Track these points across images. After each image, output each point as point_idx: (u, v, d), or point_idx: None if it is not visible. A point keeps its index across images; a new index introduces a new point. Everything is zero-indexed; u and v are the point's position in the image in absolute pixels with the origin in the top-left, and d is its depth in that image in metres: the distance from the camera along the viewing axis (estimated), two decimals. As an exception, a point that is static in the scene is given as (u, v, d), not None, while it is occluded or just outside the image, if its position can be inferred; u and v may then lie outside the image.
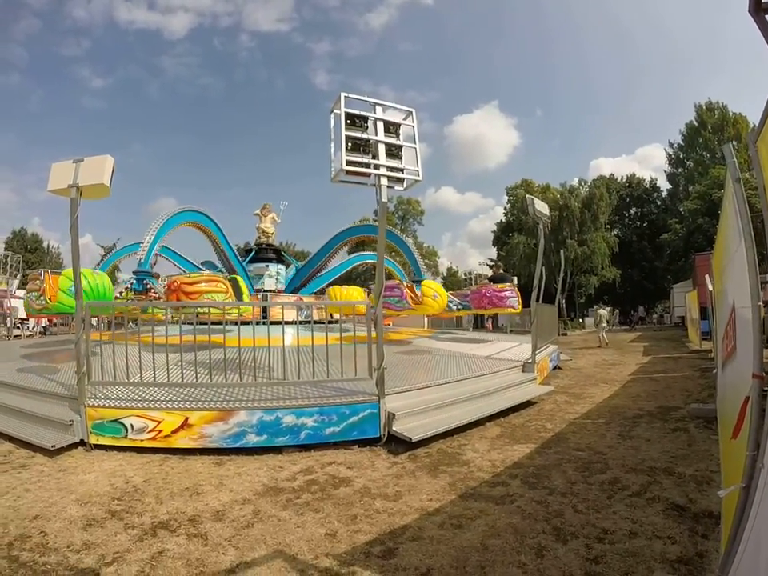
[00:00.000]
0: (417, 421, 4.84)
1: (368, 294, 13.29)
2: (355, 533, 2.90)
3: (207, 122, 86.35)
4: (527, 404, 6.32)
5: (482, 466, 4.05)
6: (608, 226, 41.34)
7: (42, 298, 6.78)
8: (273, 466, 4.11)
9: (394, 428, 4.61)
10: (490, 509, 3.19)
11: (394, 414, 4.66)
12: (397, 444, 4.57)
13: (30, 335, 20.39)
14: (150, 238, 11.29)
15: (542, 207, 7.83)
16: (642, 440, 4.69)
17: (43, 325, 22.86)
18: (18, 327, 21.32)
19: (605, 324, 17.03)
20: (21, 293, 14.83)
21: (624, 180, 46.86)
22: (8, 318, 19.12)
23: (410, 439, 4.41)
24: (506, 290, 9.72)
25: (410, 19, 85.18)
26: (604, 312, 17.69)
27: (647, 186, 46.54)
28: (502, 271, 16.79)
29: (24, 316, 24.02)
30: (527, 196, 8.18)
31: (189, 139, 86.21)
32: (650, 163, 73.46)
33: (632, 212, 46.68)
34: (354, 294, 9.97)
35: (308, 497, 3.47)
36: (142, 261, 10.93)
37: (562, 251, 17.78)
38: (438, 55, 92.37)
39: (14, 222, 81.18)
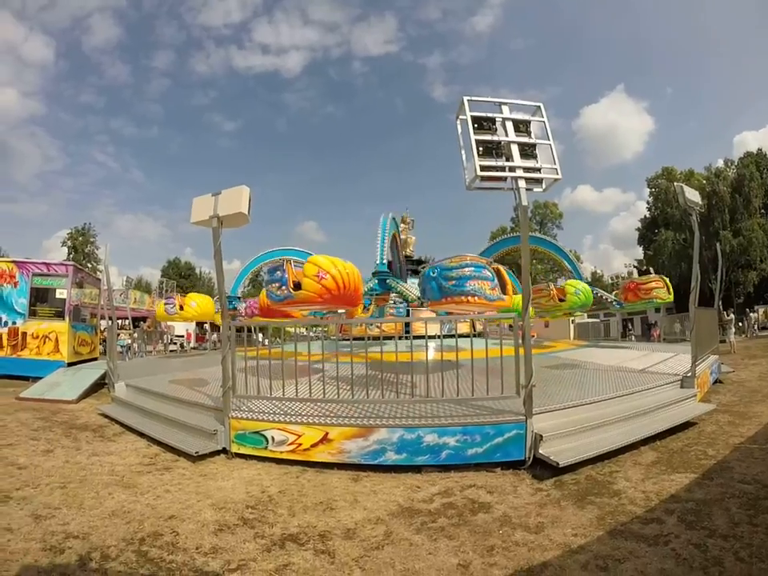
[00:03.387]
0: (565, 443, 4.38)
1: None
2: (490, 566, 2.66)
3: (334, 146, 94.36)
4: (686, 425, 5.45)
5: (635, 498, 3.53)
6: (763, 211, 35.34)
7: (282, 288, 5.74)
8: (410, 486, 3.97)
9: (540, 451, 4.22)
10: (640, 550, 2.75)
11: (541, 436, 4.26)
12: (542, 468, 4.16)
13: (185, 350, 23.07)
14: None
15: (692, 195, 6.85)
16: (818, 471, 3.75)
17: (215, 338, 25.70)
18: (175, 343, 24.45)
19: (733, 329, 17.28)
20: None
21: (775, 154, 39.63)
22: (165, 335, 22.02)
23: (557, 464, 3.99)
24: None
25: (516, 15, 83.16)
26: (732, 317, 18.26)
27: (803, 156, 38.78)
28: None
29: (179, 333, 27.54)
30: (676, 184, 7.20)
31: (320, 163, 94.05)
32: (802, 128, 60.01)
33: (790, 191, 39.30)
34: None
35: (444, 521, 3.27)
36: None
37: (717, 244, 15.26)
38: (552, 47, 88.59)
39: (168, 252, 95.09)
